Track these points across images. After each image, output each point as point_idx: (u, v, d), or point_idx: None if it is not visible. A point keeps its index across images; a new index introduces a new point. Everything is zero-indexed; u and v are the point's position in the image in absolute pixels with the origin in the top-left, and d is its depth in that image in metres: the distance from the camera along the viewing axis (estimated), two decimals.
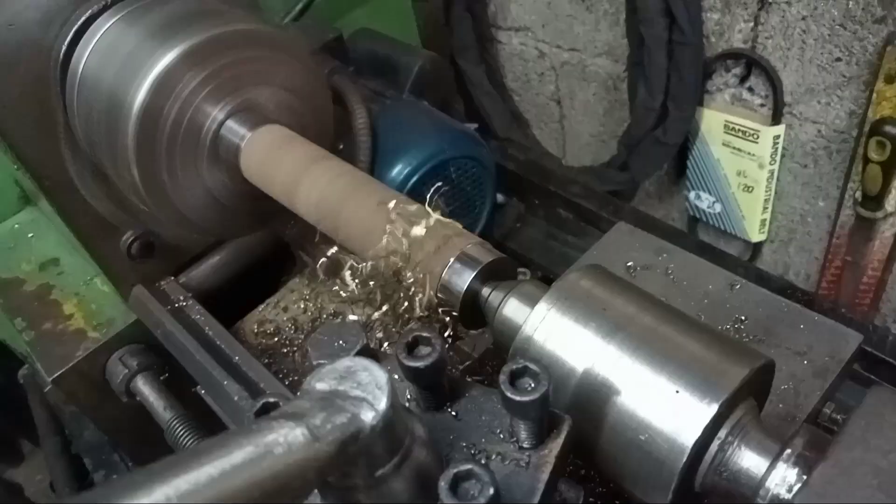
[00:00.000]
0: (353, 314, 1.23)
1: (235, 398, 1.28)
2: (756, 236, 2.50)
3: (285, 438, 0.48)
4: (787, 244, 2.51)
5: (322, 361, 0.74)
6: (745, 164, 2.35)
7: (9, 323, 1.61)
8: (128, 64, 1.17)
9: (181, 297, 1.49)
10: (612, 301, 0.81)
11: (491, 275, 0.90)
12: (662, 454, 0.71)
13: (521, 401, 0.61)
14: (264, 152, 1.16)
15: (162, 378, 1.55)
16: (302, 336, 1.52)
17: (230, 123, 1.21)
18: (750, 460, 0.73)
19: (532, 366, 0.63)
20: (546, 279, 2.15)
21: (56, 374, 1.46)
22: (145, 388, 1.51)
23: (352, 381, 0.55)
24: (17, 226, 1.82)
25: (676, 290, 1.21)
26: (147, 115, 1.15)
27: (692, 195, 2.58)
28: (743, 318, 1.15)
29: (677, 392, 0.71)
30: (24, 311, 1.59)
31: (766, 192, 2.37)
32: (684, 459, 0.70)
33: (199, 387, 1.41)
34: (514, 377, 0.63)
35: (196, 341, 1.38)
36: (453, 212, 1.80)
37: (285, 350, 1.51)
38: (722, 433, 0.73)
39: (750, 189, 2.40)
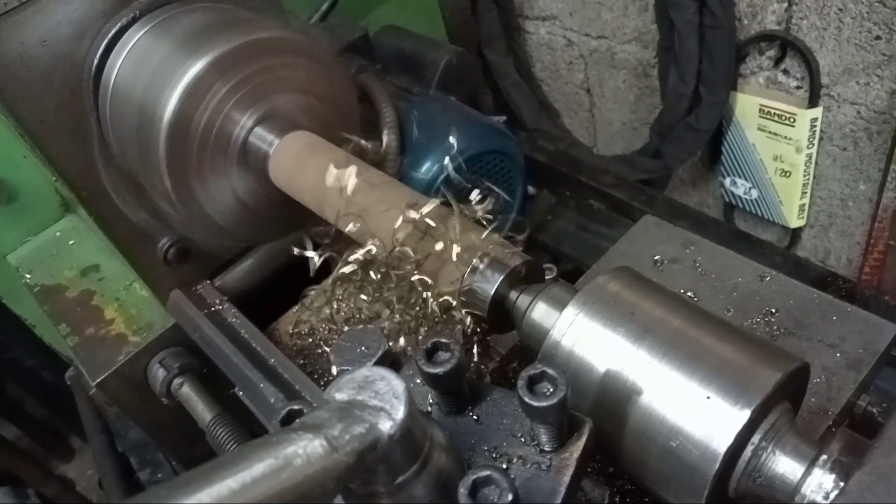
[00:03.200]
0: (388, 314, 1.25)
1: (272, 400, 1.31)
2: (795, 222, 2.45)
3: (304, 450, 0.49)
4: (827, 229, 2.46)
5: (344, 367, 0.75)
6: (781, 148, 2.31)
7: (54, 328, 1.66)
8: (158, 74, 1.20)
9: (217, 301, 1.52)
10: (640, 304, 0.80)
11: (517, 277, 0.90)
12: (694, 461, 0.70)
13: (539, 406, 0.62)
14: (292, 159, 1.18)
15: (200, 379, 1.58)
16: (337, 336, 1.54)
17: (258, 130, 1.23)
18: (785, 466, 0.72)
19: (550, 370, 0.63)
20: (578, 271, 2.15)
21: (99, 379, 1.50)
22: (185, 390, 1.55)
23: (370, 390, 0.56)
24: (58, 233, 1.87)
25: (705, 283, 1.20)
26: (178, 123, 1.17)
27: (727, 181, 2.54)
28: (773, 310, 1.13)
29: (708, 398, 0.70)
30: (68, 317, 1.64)
31: (805, 176, 2.32)
32: (717, 467, 0.69)
33: (236, 388, 1.44)
34: (533, 382, 0.64)
35: (233, 344, 1.41)
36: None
37: (320, 350, 1.53)
38: (755, 438, 0.72)
39: (787, 174, 2.35)
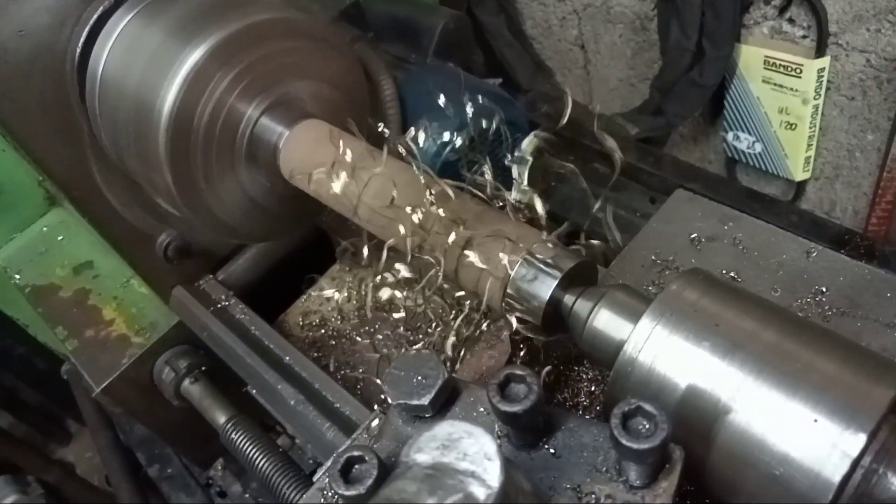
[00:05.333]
0: (401, 297, 1.18)
1: (291, 402, 1.24)
2: (800, 175, 2.40)
3: None
4: (832, 181, 2.41)
5: (401, 401, 0.69)
6: (787, 100, 2.24)
7: (50, 330, 1.58)
8: (153, 64, 1.10)
9: (223, 297, 1.45)
10: (724, 314, 0.74)
11: (570, 278, 0.83)
12: (803, 490, 0.65)
13: (640, 449, 0.56)
14: (304, 150, 1.09)
15: (210, 377, 1.51)
16: (349, 326, 1.48)
17: (266, 121, 1.14)
18: None
19: (646, 406, 0.57)
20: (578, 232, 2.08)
21: (104, 384, 1.42)
22: (195, 390, 1.48)
23: (456, 451, 0.50)
24: (45, 228, 1.75)
25: (748, 262, 1.14)
26: (178, 117, 1.08)
27: (730, 136, 2.48)
28: (823, 289, 1.08)
29: (815, 421, 0.65)
30: (64, 320, 1.55)
31: (811, 128, 2.26)
32: (830, 497, 0.64)
33: (249, 387, 1.37)
34: (626, 418, 0.57)
35: (244, 343, 1.34)
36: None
37: (333, 342, 1.47)
38: (865, 461, 0.66)
39: (793, 126, 2.29)
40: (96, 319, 1.54)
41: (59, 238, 1.73)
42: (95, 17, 1.17)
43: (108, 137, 1.20)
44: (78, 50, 1.18)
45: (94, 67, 1.17)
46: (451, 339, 0.89)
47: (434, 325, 0.98)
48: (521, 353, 0.94)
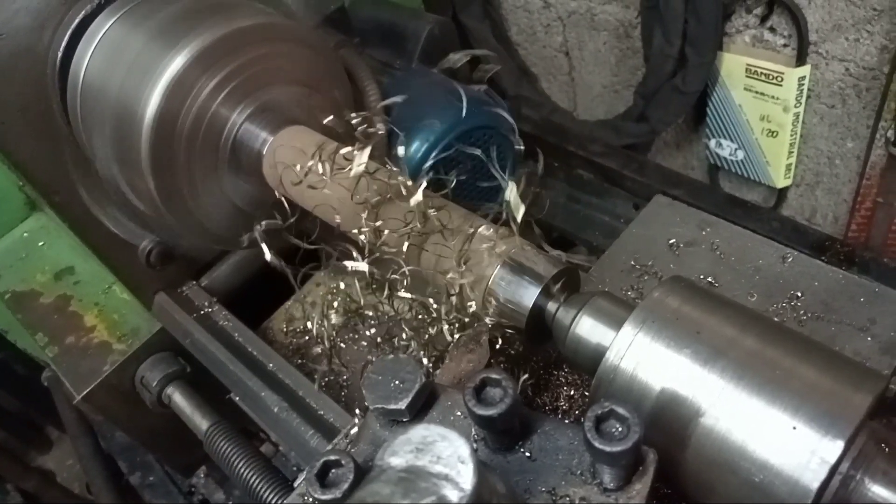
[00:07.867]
0: (385, 305, 1.19)
1: (275, 409, 1.24)
2: (781, 182, 2.43)
3: None
4: (813, 188, 2.44)
5: (379, 405, 0.69)
6: (768, 108, 2.26)
7: (30, 337, 1.57)
8: (136, 68, 1.10)
9: (206, 303, 1.44)
10: (705, 321, 0.74)
11: (553, 286, 0.84)
12: (782, 496, 0.65)
13: (612, 451, 0.56)
14: (288, 156, 1.08)
15: (192, 384, 1.50)
16: (334, 333, 1.47)
17: (250, 127, 1.13)
18: (877, 496, 0.67)
19: (619, 409, 0.57)
20: (569, 242, 2.09)
21: (85, 392, 1.42)
22: (178, 397, 1.47)
23: (430, 454, 0.50)
24: (26, 234, 1.75)
25: (725, 267, 1.16)
26: (161, 123, 1.08)
27: (713, 143, 2.50)
28: (799, 293, 1.10)
29: (794, 428, 0.65)
30: (45, 326, 1.54)
31: (792, 135, 2.29)
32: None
33: (232, 394, 1.37)
34: (599, 421, 0.58)
35: (227, 350, 1.34)
36: (474, 184, 1.73)
37: (319, 350, 1.46)
38: (843, 467, 0.66)
39: (774, 134, 2.32)
40: (77, 326, 1.54)
41: (40, 244, 1.72)
42: (78, 20, 1.17)
43: (89, 142, 1.20)
44: (59, 53, 1.18)
45: (76, 71, 1.17)
46: (448, 337, 0.89)
47: (409, 328, 0.98)
48: (501, 358, 0.95)
